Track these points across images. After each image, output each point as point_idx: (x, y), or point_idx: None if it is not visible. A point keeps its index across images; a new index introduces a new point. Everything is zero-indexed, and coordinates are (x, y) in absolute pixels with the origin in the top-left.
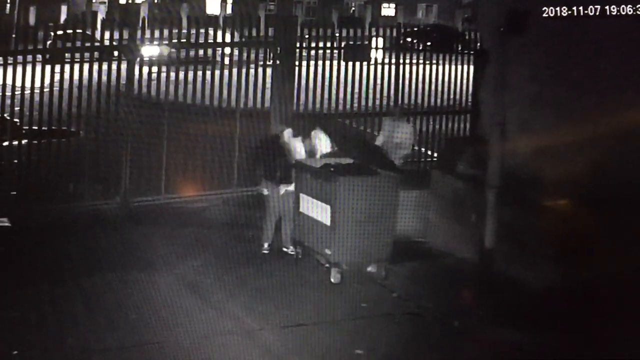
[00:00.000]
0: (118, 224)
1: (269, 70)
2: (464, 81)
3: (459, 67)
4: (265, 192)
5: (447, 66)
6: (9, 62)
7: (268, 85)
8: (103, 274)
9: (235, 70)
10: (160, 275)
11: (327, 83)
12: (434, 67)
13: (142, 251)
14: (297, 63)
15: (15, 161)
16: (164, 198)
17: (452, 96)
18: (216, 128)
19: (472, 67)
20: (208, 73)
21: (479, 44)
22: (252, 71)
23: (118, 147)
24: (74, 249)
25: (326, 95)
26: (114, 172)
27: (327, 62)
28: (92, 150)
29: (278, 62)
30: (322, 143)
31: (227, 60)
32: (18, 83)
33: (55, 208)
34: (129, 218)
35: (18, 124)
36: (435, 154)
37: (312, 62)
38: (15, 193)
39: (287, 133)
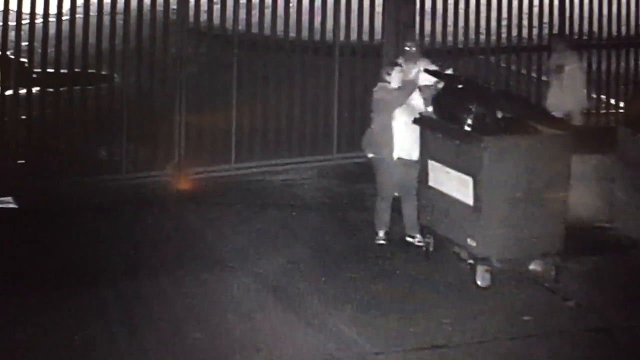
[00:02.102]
0: (170, 204)
1: None
2: None
3: None
4: (374, 156)
5: None
6: None
7: (378, 9)
8: (152, 277)
9: None
10: (233, 276)
11: (461, 5)
12: None
13: (205, 243)
14: None
15: (24, 117)
16: (234, 168)
17: None
18: (305, 70)
19: None
20: None
21: None
22: None
23: (168, 98)
24: (107, 241)
25: (460, 23)
26: (163, 132)
27: None
28: (132, 102)
29: None
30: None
31: None
32: (26, 9)
33: (79, 183)
34: (185, 196)
35: (27, 65)
36: (622, 104)
37: None
38: (23, 162)
39: (399, 75)
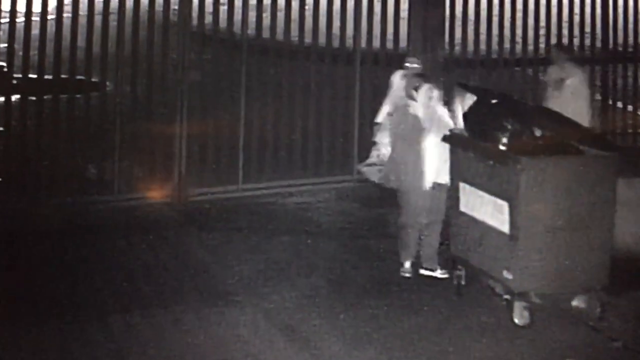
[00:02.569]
0: (168, 229)
1: None
2: None
3: None
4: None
5: None
6: None
7: (403, 15)
8: (147, 312)
9: None
10: (239, 312)
11: (495, 10)
12: None
13: (208, 274)
14: None
15: (2, 129)
16: (242, 189)
17: None
18: (322, 80)
19: None
20: None
21: None
22: None
23: (168, 109)
24: (96, 271)
25: (495, 30)
26: (161, 147)
27: None
28: (126, 114)
29: None
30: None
31: None
32: (6, 6)
33: (65, 204)
34: (185, 220)
35: (6, 70)
36: None
37: None
38: (0, 180)
39: (427, 90)
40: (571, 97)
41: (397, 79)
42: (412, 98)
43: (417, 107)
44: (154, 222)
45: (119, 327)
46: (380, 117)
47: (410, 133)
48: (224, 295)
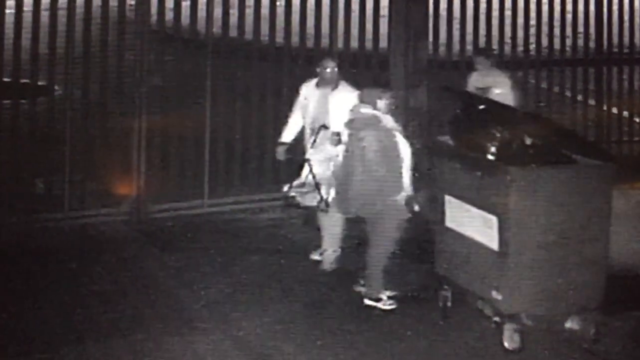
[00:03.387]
0: (126, 250)
1: None
2: None
3: None
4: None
5: None
6: None
7: (383, 12)
8: (103, 342)
9: None
10: (206, 341)
11: (482, 8)
12: None
13: (171, 299)
14: None
15: None
16: (208, 205)
17: None
18: (295, 83)
19: None
20: None
21: None
22: None
23: (124, 116)
24: (44, 296)
25: (482, 30)
26: (117, 159)
27: None
28: (78, 121)
29: None
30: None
31: None
32: None
33: (8, 223)
34: (145, 240)
35: None
36: None
37: None
38: None
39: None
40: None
41: (313, 87)
42: (376, 108)
43: (387, 120)
44: (110, 242)
45: (71, 358)
46: (289, 136)
47: (379, 151)
48: (189, 322)
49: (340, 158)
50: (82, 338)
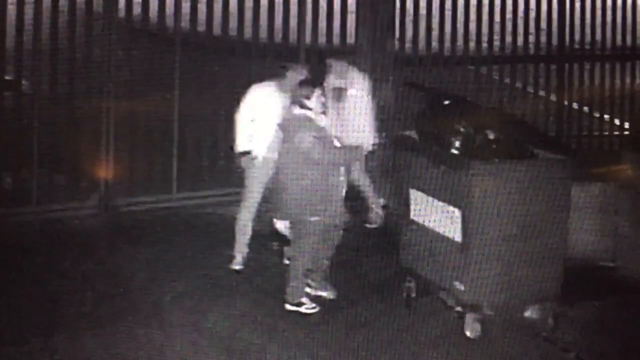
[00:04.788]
0: (94, 244)
1: None
2: None
3: None
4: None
5: None
6: None
7: (351, 7)
8: (73, 334)
9: None
10: (175, 333)
11: (448, 5)
12: None
13: (139, 292)
14: None
15: None
16: (176, 199)
17: None
18: (264, 79)
19: None
20: None
21: None
22: None
23: (92, 110)
24: (12, 290)
25: (447, 27)
26: (85, 153)
27: None
28: (45, 115)
29: None
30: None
31: None
32: None
33: None
34: (113, 233)
35: None
36: (628, 124)
37: None
38: None
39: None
40: (354, 108)
41: (267, 93)
42: (306, 107)
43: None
44: (78, 236)
45: (39, 352)
46: (244, 144)
47: (309, 153)
48: (158, 314)
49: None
50: (50, 332)
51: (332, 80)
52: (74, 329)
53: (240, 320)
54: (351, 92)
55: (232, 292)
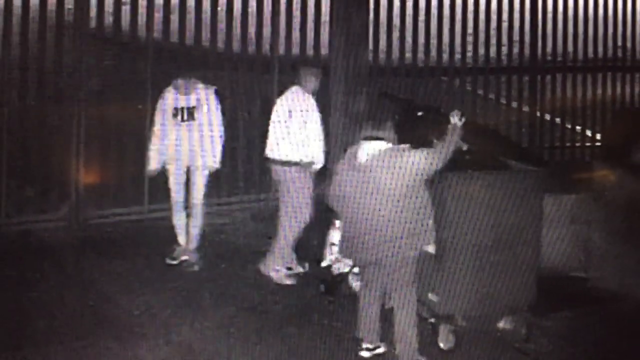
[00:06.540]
0: (65, 256)
1: None
2: None
3: None
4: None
5: None
6: None
7: (325, 17)
8: (42, 349)
9: None
10: (146, 346)
11: (421, 16)
12: None
13: (111, 305)
14: None
15: None
16: (148, 210)
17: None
18: (236, 89)
19: None
20: None
21: None
22: None
23: (62, 121)
24: None
25: (421, 38)
26: (55, 164)
27: None
28: (13, 126)
29: None
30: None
31: None
32: None
33: None
34: (84, 246)
35: None
36: (600, 136)
37: None
38: None
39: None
40: (205, 128)
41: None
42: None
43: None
44: (48, 249)
45: None
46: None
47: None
48: (129, 327)
49: None
50: (20, 345)
51: (175, 99)
52: (43, 343)
53: (213, 332)
54: (204, 108)
55: (207, 305)
